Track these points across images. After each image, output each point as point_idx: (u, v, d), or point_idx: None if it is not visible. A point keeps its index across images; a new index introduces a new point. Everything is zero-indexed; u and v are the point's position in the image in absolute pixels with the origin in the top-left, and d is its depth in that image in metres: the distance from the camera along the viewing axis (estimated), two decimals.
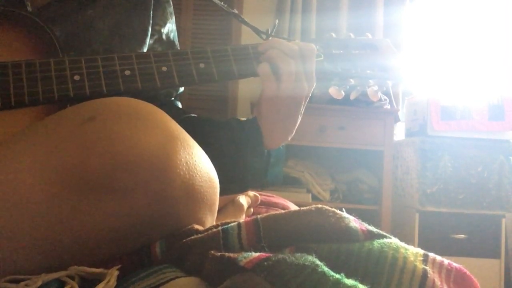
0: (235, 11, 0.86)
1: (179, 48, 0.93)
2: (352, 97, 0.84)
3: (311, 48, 0.74)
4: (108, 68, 0.65)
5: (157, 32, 0.87)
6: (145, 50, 0.84)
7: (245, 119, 0.80)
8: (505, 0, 2.84)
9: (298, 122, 0.78)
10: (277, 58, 0.72)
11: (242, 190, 0.81)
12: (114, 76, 0.65)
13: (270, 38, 0.82)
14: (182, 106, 0.95)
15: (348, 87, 0.82)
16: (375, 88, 0.83)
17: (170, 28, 0.90)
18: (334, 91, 0.82)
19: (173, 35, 0.92)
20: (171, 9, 0.91)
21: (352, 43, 0.83)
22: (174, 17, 0.92)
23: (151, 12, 0.85)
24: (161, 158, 0.48)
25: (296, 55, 0.73)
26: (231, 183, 0.72)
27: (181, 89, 0.94)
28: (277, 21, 0.86)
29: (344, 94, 0.82)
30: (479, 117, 2.28)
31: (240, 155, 0.75)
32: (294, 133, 0.79)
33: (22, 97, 0.61)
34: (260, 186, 0.87)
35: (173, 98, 0.91)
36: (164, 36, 0.88)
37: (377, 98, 0.84)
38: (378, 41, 0.84)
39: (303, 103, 0.75)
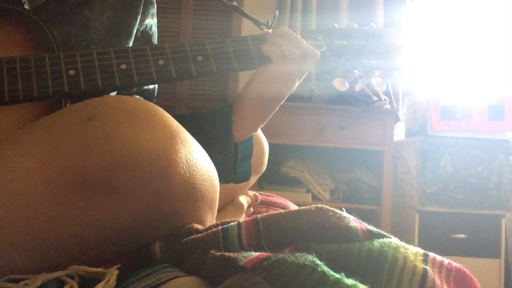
0: (235, 3, 0.85)
1: None
2: (357, 88, 0.82)
3: (316, 54, 0.73)
4: (103, 63, 0.65)
5: None
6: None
7: (215, 109, 0.78)
8: (506, 0, 2.84)
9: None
10: (273, 55, 0.71)
11: None
12: (110, 71, 0.65)
13: (279, 28, 0.80)
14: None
15: (352, 78, 0.80)
16: (380, 79, 0.81)
17: (148, 26, 0.90)
18: (338, 83, 0.80)
19: (151, 34, 0.91)
20: (154, 10, 0.91)
21: (356, 33, 0.81)
22: (156, 19, 0.92)
23: (141, 11, 0.85)
24: (161, 156, 0.48)
25: (296, 55, 0.72)
26: None
27: (153, 89, 0.93)
28: (277, 12, 0.84)
29: (348, 86, 0.81)
30: (479, 117, 2.28)
31: (208, 150, 0.74)
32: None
33: (17, 92, 0.61)
34: (228, 181, 0.86)
35: (137, 96, 0.90)
36: (139, 33, 0.88)
37: (383, 89, 0.82)
38: (383, 30, 0.82)
39: (283, 99, 0.75)
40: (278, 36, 0.72)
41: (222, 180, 0.81)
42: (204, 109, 0.85)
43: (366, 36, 0.80)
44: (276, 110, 0.76)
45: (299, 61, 0.72)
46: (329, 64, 0.78)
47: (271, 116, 0.77)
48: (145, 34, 0.90)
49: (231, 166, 0.77)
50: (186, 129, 0.55)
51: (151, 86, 0.93)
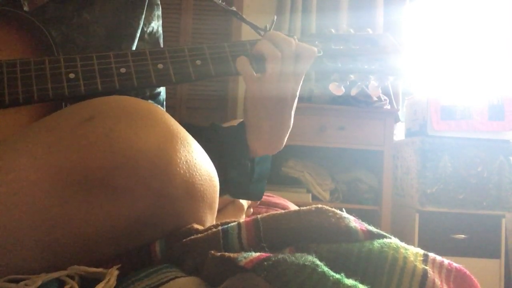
0: (234, 8, 0.85)
1: None
2: (352, 93, 0.82)
3: (311, 52, 0.72)
4: (103, 66, 0.65)
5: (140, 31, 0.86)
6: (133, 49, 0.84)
7: (231, 125, 0.78)
8: (505, 0, 2.84)
9: (289, 127, 0.75)
10: (266, 52, 0.70)
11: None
12: (110, 74, 0.65)
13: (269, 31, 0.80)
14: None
15: (348, 83, 0.80)
16: (376, 83, 0.81)
17: (154, 28, 0.90)
18: (334, 87, 0.81)
19: (158, 36, 0.91)
20: (159, 12, 0.91)
21: (352, 38, 0.81)
22: (161, 21, 0.91)
23: (144, 15, 0.85)
24: (161, 156, 0.48)
25: (290, 52, 0.70)
26: None
27: (162, 94, 0.93)
28: (275, 17, 0.85)
29: (344, 90, 0.80)
30: (479, 117, 2.28)
31: (220, 162, 0.72)
32: (283, 144, 0.76)
33: (17, 95, 0.61)
34: (238, 197, 0.85)
35: (151, 101, 0.90)
36: (146, 36, 0.88)
37: (378, 93, 0.82)
38: (379, 36, 0.82)
39: (290, 104, 0.73)
40: (267, 38, 0.72)
41: (233, 195, 0.80)
42: (206, 109, 0.85)
43: (362, 41, 0.81)
44: (287, 119, 0.73)
45: (293, 60, 0.71)
46: (326, 69, 0.78)
47: (287, 128, 0.74)
48: (152, 37, 0.89)
49: (245, 183, 0.76)
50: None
51: (160, 91, 0.92)
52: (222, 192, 0.78)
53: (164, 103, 0.94)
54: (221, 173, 0.71)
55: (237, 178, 0.75)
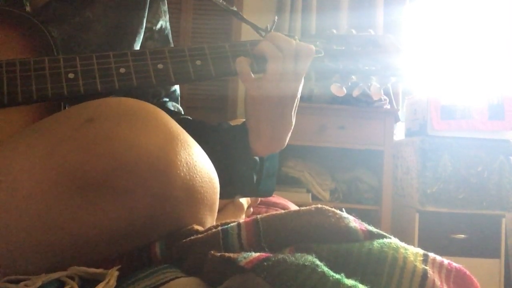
0: (234, 8, 0.85)
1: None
2: (354, 94, 0.82)
3: (309, 50, 0.71)
4: (103, 66, 0.65)
5: (148, 30, 0.86)
6: (137, 48, 0.84)
7: (235, 124, 0.78)
8: (505, 0, 2.84)
9: (291, 127, 0.75)
10: (268, 53, 0.70)
11: (229, 196, 0.80)
12: (109, 74, 0.65)
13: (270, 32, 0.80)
14: (181, 106, 0.94)
15: (350, 84, 0.80)
16: (378, 85, 0.81)
17: (163, 25, 0.89)
18: (336, 88, 0.80)
19: (167, 33, 0.91)
20: (165, 7, 0.90)
21: (354, 39, 0.81)
22: (168, 16, 0.91)
23: (146, 11, 0.85)
24: (161, 158, 0.48)
25: (290, 53, 0.70)
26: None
27: (177, 90, 0.93)
28: (276, 17, 0.84)
29: (346, 92, 0.80)
30: (479, 116, 2.28)
31: (229, 161, 0.73)
32: (285, 143, 0.76)
33: (16, 95, 0.61)
34: (250, 195, 0.85)
35: (166, 99, 0.90)
36: (156, 34, 0.88)
37: (379, 95, 0.82)
38: (381, 37, 0.82)
39: (291, 104, 0.72)
40: (269, 39, 0.72)
41: (244, 193, 0.80)
42: (206, 109, 0.85)
43: (364, 42, 0.81)
44: (288, 119, 0.73)
45: (293, 59, 0.70)
46: (327, 69, 0.78)
47: (289, 129, 0.74)
48: (162, 34, 0.89)
49: (253, 180, 0.76)
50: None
51: (175, 89, 0.92)
52: (232, 192, 0.78)
53: (179, 98, 0.94)
54: (229, 173, 0.71)
55: (247, 173, 0.75)
